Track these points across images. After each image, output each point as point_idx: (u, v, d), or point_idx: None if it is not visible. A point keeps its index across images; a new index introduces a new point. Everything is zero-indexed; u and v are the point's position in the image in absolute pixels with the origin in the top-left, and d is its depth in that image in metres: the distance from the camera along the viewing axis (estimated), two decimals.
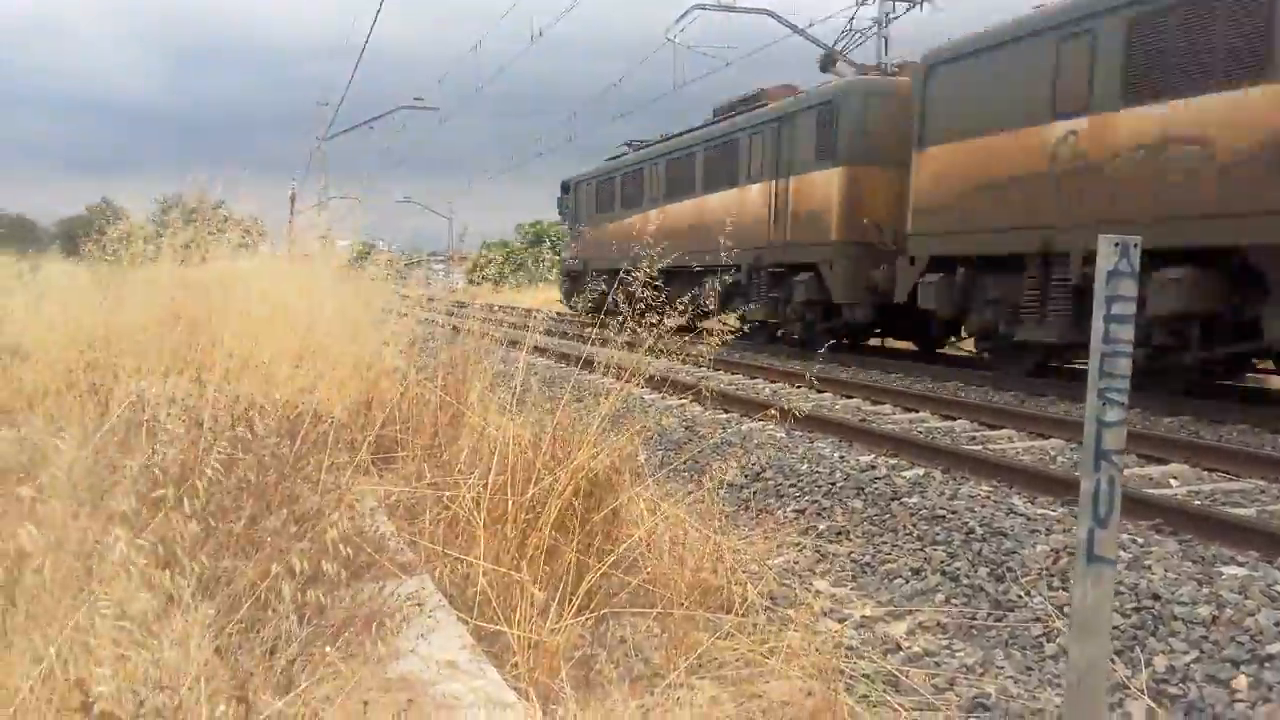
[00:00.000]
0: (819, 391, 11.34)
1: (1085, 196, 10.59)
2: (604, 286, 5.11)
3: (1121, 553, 4.79)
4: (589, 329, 5.04)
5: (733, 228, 16.61)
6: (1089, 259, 9.97)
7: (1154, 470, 7.14)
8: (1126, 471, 6.02)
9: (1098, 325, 2.47)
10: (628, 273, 4.60)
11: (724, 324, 4.76)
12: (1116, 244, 2.40)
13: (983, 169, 12.28)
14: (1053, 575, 4.83)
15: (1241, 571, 4.68)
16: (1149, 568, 4.79)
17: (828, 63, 17.96)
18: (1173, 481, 6.91)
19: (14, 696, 1.92)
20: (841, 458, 7.40)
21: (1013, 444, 8.39)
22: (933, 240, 13.35)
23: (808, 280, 16.20)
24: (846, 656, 3.95)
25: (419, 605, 3.16)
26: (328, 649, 2.34)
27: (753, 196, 17.97)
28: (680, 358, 4.69)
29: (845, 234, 15.28)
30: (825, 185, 15.75)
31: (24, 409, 5.00)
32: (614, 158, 27.09)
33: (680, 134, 22.57)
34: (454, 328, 7.07)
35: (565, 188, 30.67)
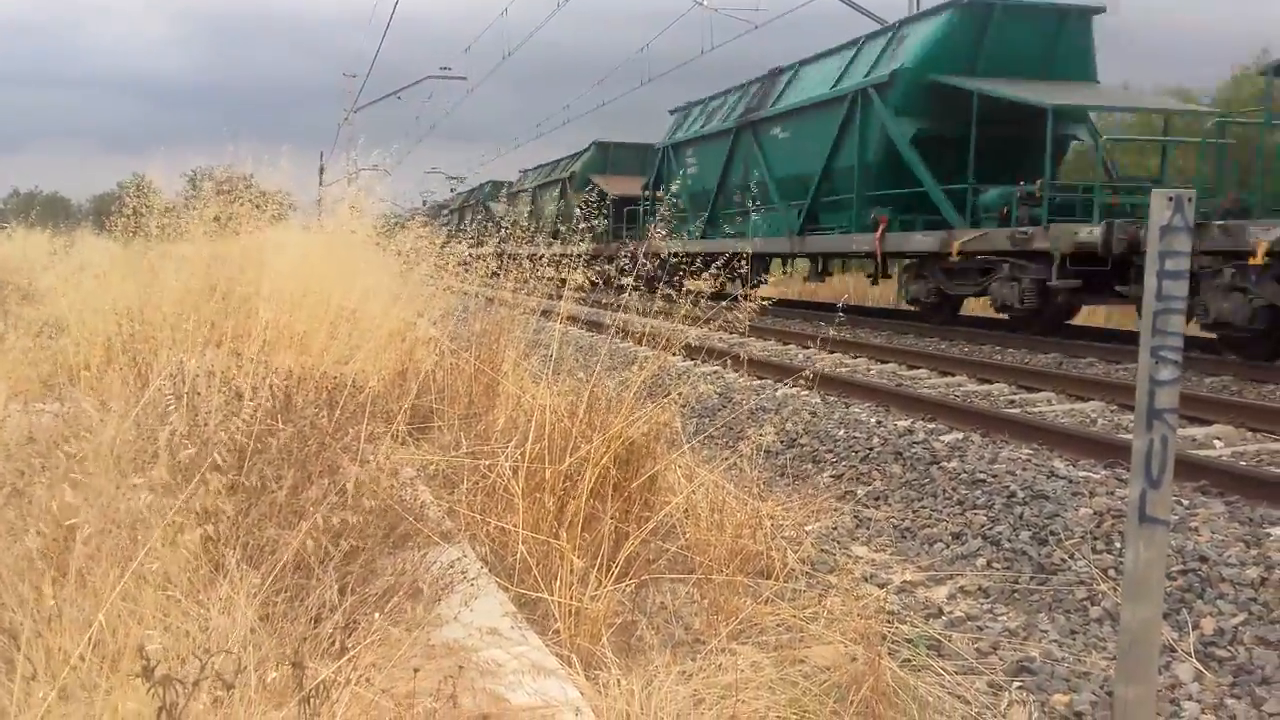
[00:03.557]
0: (854, 357, 11.28)
1: None
2: None
3: None
4: (621, 296, 5.07)
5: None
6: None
7: (1198, 431, 7.03)
8: None
9: (1150, 282, 2.39)
10: None
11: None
12: (1170, 198, 2.31)
13: None
14: (1097, 538, 4.77)
15: None
16: (1195, 529, 4.72)
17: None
18: (1217, 442, 6.80)
19: (66, 664, 1.94)
20: (878, 423, 7.34)
21: (1052, 406, 8.28)
22: None
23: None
24: (888, 621, 3.92)
25: (462, 574, 3.16)
26: (376, 616, 2.34)
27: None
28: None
29: None
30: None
31: (65, 383, 5.05)
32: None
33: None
34: (488, 298, 7.05)
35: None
